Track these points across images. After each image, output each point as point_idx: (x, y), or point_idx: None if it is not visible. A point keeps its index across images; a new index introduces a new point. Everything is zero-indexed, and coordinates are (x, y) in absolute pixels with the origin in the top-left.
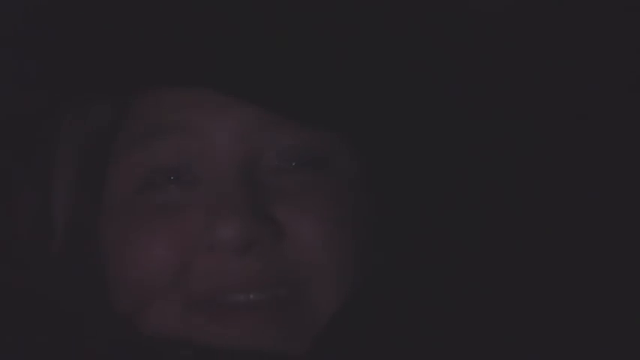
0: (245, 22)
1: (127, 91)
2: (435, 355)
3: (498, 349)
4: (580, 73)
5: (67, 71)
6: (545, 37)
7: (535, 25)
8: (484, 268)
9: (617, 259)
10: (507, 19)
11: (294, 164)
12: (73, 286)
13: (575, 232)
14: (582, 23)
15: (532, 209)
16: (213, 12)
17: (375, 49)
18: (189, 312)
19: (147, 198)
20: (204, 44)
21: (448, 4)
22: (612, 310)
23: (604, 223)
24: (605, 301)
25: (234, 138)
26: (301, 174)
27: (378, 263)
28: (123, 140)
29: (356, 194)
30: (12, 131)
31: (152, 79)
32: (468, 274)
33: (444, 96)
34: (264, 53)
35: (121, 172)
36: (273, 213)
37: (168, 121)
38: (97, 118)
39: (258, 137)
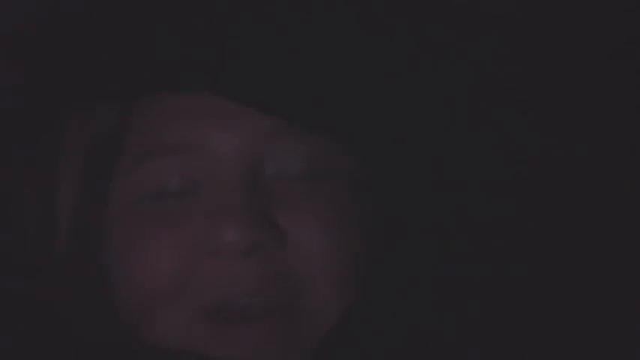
0: (249, 29)
1: (132, 94)
2: None
3: (501, 355)
4: (582, 73)
5: (70, 75)
6: (550, 39)
7: (539, 28)
8: (486, 272)
9: (616, 260)
10: (513, 21)
11: (297, 171)
12: (77, 289)
13: (576, 233)
14: (585, 24)
15: (533, 213)
16: (217, 20)
17: (379, 53)
18: (193, 322)
19: (150, 205)
20: (209, 51)
21: (455, 8)
22: (612, 310)
23: (604, 224)
24: (605, 301)
25: (237, 146)
26: (304, 181)
27: (380, 270)
28: (128, 145)
29: (359, 201)
30: (17, 134)
31: (156, 85)
32: (470, 280)
33: (447, 100)
34: (268, 60)
35: (124, 182)
36: (276, 219)
37: (170, 137)
38: (103, 120)
39: (261, 144)
